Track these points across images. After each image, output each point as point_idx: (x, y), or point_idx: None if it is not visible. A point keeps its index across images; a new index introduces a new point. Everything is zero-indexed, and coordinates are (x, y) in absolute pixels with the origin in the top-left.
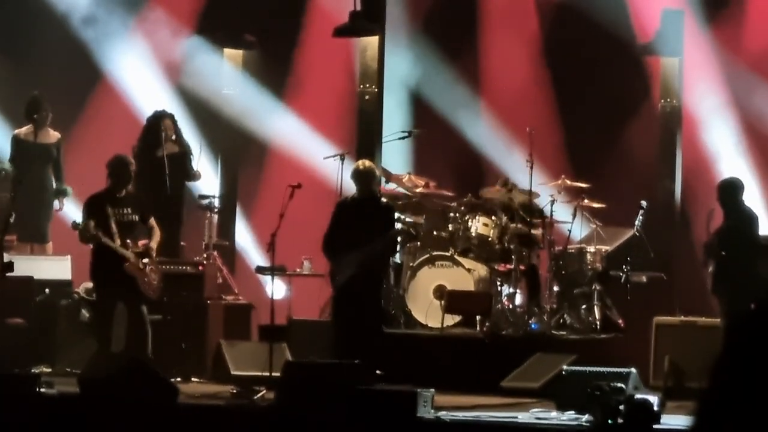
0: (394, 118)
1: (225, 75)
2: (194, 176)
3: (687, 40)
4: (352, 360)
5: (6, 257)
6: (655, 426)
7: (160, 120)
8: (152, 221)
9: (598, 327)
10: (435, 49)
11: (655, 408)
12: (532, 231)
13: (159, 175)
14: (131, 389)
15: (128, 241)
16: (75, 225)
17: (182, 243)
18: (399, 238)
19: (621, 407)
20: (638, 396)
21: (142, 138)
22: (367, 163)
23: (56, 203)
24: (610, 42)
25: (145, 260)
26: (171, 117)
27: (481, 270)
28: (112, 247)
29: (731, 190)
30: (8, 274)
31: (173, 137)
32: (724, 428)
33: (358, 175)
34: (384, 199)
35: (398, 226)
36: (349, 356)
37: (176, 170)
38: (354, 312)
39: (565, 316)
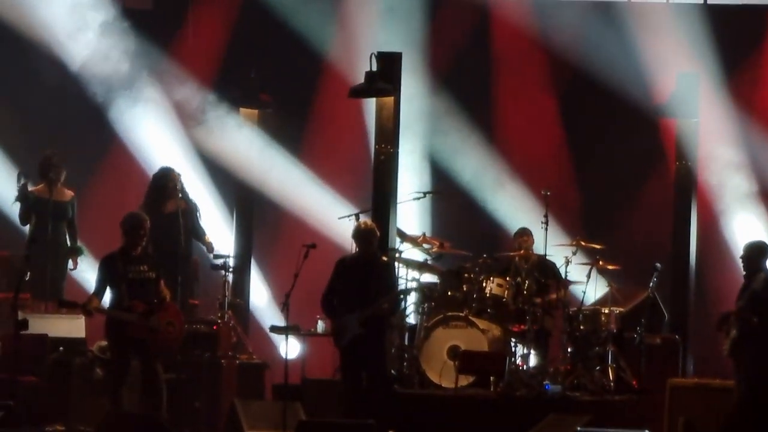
0: (410, 178)
1: (241, 134)
2: (203, 238)
3: (702, 102)
4: (362, 419)
5: (20, 315)
6: None
7: (166, 176)
8: (162, 284)
9: (612, 388)
10: (451, 110)
11: None
12: (547, 293)
13: (169, 231)
14: None
15: (140, 300)
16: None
17: (196, 302)
18: (402, 297)
19: None
20: None
21: (149, 194)
22: (369, 222)
23: (70, 262)
24: (626, 104)
25: (153, 319)
26: (177, 174)
27: (495, 330)
28: (113, 316)
29: (758, 252)
30: (22, 332)
31: (180, 194)
32: None
33: (360, 235)
34: (384, 258)
35: (403, 285)
36: (360, 416)
37: (183, 227)
38: (362, 371)
39: (579, 377)
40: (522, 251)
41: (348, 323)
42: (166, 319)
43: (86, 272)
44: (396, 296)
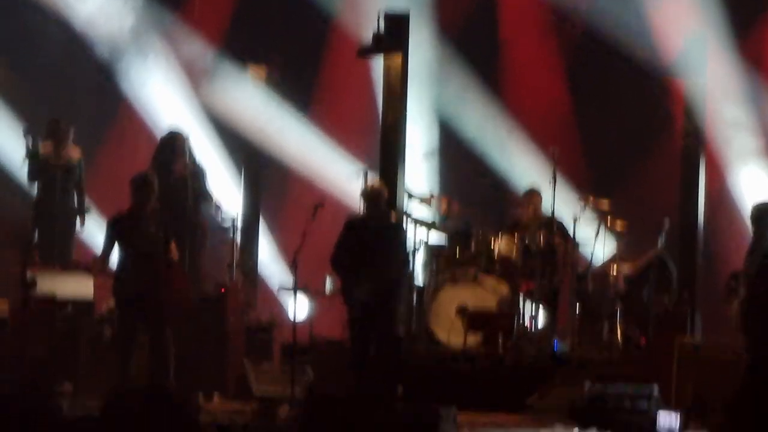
0: (418, 138)
1: (249, 93)
2: (210, 201)
3: (710, 62)
4: (371, 379)
5: (28, 275)
6: None
7: (174, 139)
8: (172, 246)
9: (620, 347)
10: (459, 69)
11: (676, 428)
12: (555, 251)
13: (177, 193)
14: (153, 418)
15: (148, 262)
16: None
17: (204, 263)
18: (411, 258)
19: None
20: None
21: (157, 156)
22: (378, 183)
23: (78, 223)
24: (634, 64)
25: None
26: (185, 136)
27: (504, 289)
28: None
29: (767, 213)
30: (31, 293)
31: (187, 157)
32: None
33: (369, 196)
34: (393, 218)
35: (412, 244)
36: (368, 376)
37: (191, 189)
38: (371, 331)
39: (588, 335)
40: (530, 210)
41: (358, 284)
42: (173, 283)
43: (94, 233)
44: (404, 256)
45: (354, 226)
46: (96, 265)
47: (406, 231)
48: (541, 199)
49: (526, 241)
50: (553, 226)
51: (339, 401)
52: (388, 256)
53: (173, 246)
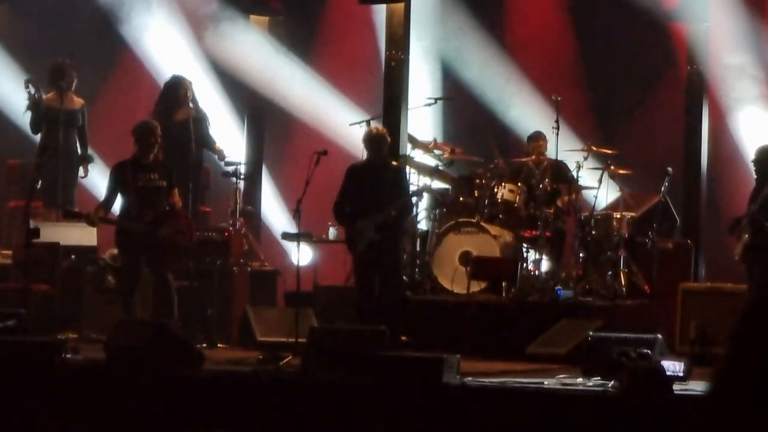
0: (421, 84)
1: (251, 41)
2: (213, 147)
3: (713, 6)
4: (376, 325)
5: (32, 224)
6: (679, 391)
7: (178, 84)
8: (175, 192)
9: (624, 293)
10: (462, 15)
11: (681, 374)
12: (557, 197)
13: (180, 139)
14: (157, 356)
15: (151, 209)
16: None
17: (208, 209)
18: (414, 201)
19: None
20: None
21: (160, 102)
22: (380, 128)
23: (81, 170)
24: (637, 9)
25: (162, 227)
26: (189, 82)
27: (507, 236)
28: (120, 225)
29: None
30: (34, 240)
31: (190, 103)
32: (740, 395)
33: (370, 140)
34: (395, 163)
35: (414, 188)
36: (373, 322)
37: (194, 134)
38: (375, 277)
39: (591, 282)
40: (534, 156)
41: (362, 229)
42: (176, 227)
43: (97, 180)
44: (407, 201)
45: (356, 172)
46: (97, 213)
47: (408, 176)
48: (545, 143)
49: (530, 187)
50: (557, 171)
51: (342, 332)
52: (390, 201)
53: (176, 192)
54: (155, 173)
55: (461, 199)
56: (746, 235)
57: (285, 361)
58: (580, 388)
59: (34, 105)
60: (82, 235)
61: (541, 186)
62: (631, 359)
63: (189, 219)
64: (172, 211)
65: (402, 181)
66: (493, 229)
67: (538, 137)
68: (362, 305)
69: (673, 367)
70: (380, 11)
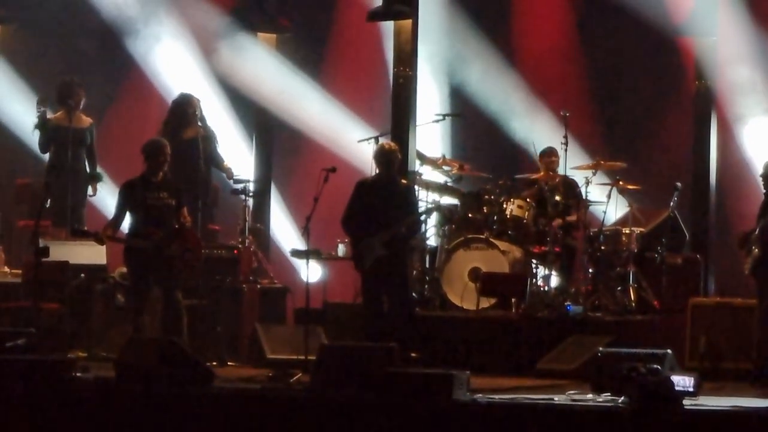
0: (429, 100)
1: (259, 58)
2: (221, 165)
3: (721, 21)
4: (386, 342)
5: (41, 242)
6: (689, 407)
7: (186, 102)
8: (184, 211)
9: (634, 308)
10: (470, 31)
11: (691, 389)
12: (568, 213)
13: (188, 157)
14: (167, 374)
15: (159, 227)
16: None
17: (217, 227)
18: (423, 219)
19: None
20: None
21: (168, 120)
22: (391, 144)
23: (90, 189)
24: (645, 24)
25: (170, 245)
26: (197, 100)
27: (516, 252)
28: (128, 244)
29: None
30: (44, 259)
31: (199, 121)
32: None
33: (382, 156)
34: (404, 181)
35: (423, 206)
36: (382, 339)
37: (203, 152)
38: (384, 294)
39: (601, 297)
40: (545, 172)
41: (370, 245)
42: (184, 246)
43: (106, 198)
44: (416, 219)
45: (365, 187)
46: (106, 231)
47: (417, 193)
48: (557, 159)
49: (539, 203)
50: (566, 187)
51: (352, 349)
52: (399, 218)
53: (185, 211)
54: (164, 192)
55: (470, 215)
56: (756, 250)
57: (295, 378)
58: (590, 403)
59: (43, 124)
60: (91, 254)
61: (551, 202)
62: (641, 375)
63: (197, 237)
64: (180, 229)
65: (411, 198)
66: (503, 245)
67: (550, 153)
68: (371, 322)
69: (682, 382)
70: (388, 28)
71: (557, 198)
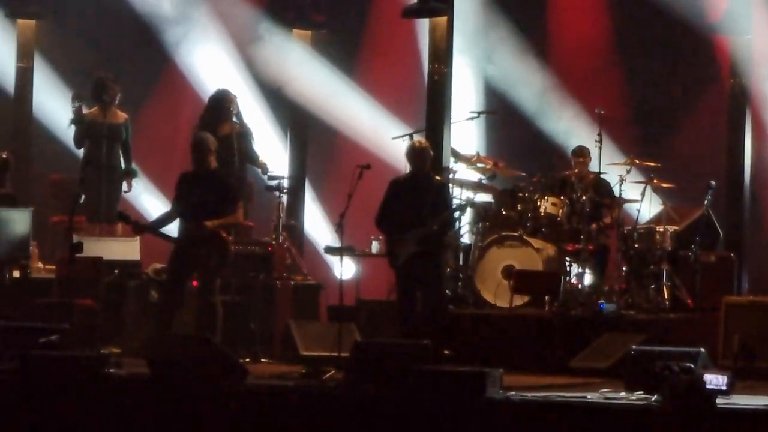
0: (464, 98)
1: (294, 55)
2: (257, 161)
3: (756, 19)
4: (419, 339)
5: (75, 238)
6: (723, 405)
7: (223, 98)
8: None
9: (667, 307)
10: (504, 28)
11: (724, 387)
12: (602, 211)
13: (222, 153)
14: (200, 370)
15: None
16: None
17: (251, 223)
18: (456, 216)
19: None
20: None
21: (205, 116)
22: (423, 141)
23: (125, 184)
24: (680, 22)
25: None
26: (233, 96)
27: (550, 250)
28: (158, 236)
29: None
30: (77, 255)
31: (235, 117)
32: None
33: (413, 154)
34: (438, 178)
35: (456, 203)
36: (415, 336)
37: (237, 149)
38: (417, 291)
39: (634, 295)
40: (577, 170)
41: (403, 242)
42: (210, 248)
43: (140, 194)
44: (449, 216)
45: (398, 185)
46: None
47: (451, 190)
48: (590, 158)
49: (573, 201)
50: (600, 186)
51: (385, 346)
52: (432, 215)
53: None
54: (207, 185)
55: (504, 212)
56: None
57: (328, 375)
58: (623, 401)
59: (78, 119)
60: (125, 250)
61: (583, 200)
62: (674, 373)
63: (225, 241)
64: (210, 231)
65: (444, 196)
66: (536, 243)
67: (581, 152)
68: (404, 320)
69: (716, 380)
70: (423, 25)
71: (591, 194)
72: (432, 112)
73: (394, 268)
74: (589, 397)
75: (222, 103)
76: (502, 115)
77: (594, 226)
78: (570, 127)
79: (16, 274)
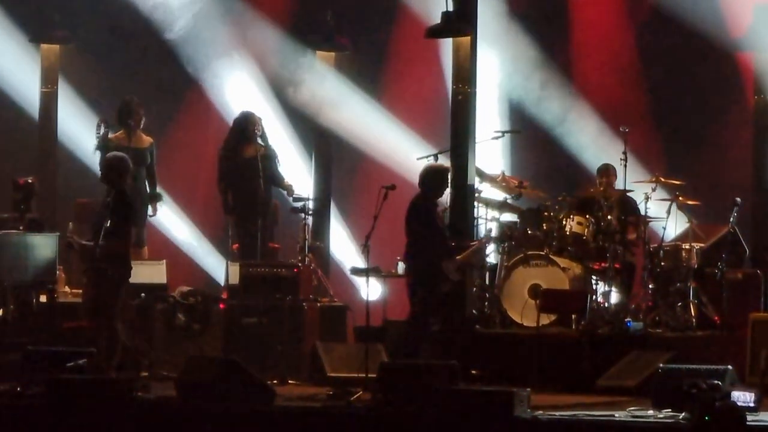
0: (488, 117)
1: (317, 77)
2: (282, 183)
3: None
4: (446, 360)
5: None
6: (751, 422)
7: (248, 120)
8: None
9: (694, 324)
10: (528, 48)
11: (752, 404)
12: (627, 229)
13: (248, 175)
14: (228, 392)
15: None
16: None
17: (277, 245)
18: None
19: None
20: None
21: (229, 139)
22: (435, 164)
23: (150, 208)
24: (703, 39)
25: None
26: (258, 118)
27: (576, 268)
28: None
29: None
30: None
31: (259, 139)
32: None
33: (445, 176)
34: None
35: (483, 226)
36: (443, 356)
37: (262, 171)
38: (446, 313)
39: (661, 313)
40: (602, 188)
41: (447, 270)
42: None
43: (166, 218)
44: (483, 244)
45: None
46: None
47: (477, 209)
48: (615, 176)
49: (599, 219)
50: (625, 204)
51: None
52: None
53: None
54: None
55: (530, 231)
56: None
57: (355, 396)
58: (651, 420)
59: (103, 145)
60: (152, 273)
61: (609, 218)
62: (702, 391)
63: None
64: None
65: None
66: (562, 262)
67: (606, 170)
68: (420, 341)
69: (743, 397)
70: (447, 45)
71: (616, 212)
72: (456, 132)
73: (429, 290)
74: (617, 415)
75: (246, 124)
76: (527, 134)
77: (619, 243)
78: (595, 146)
79: (44, 298)
